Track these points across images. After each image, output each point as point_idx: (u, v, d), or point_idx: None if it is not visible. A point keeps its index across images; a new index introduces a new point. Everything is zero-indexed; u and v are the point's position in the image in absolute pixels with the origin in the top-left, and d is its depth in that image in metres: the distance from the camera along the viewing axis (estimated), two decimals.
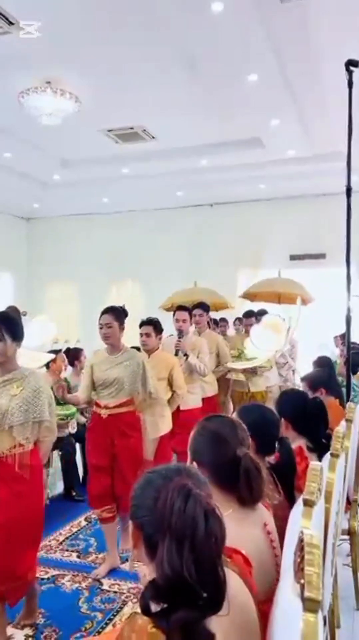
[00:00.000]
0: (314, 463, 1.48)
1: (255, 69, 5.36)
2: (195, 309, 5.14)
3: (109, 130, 7.10)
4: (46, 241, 11.19)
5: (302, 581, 0.84)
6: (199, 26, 4.63)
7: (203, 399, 4.91)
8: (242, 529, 1.45)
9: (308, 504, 1.31)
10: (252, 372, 5.61)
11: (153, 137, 7.32)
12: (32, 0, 4.31)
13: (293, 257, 9.32)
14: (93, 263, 10.57)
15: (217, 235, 9.76)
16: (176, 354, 4.38)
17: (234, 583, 1.09)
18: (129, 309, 5.91)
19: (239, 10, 4.37)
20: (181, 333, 4.48)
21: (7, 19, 4.51)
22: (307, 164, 7.80)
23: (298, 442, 2.47)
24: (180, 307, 4.71)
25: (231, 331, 8.16)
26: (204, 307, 5.34)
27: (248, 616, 1.10)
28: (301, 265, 9.17)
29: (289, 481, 2.00)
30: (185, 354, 4.45)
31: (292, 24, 4.53)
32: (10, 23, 4.56)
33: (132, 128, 7.01)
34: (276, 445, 2.05)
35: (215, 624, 0.96)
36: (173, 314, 4.61)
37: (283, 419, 2.53)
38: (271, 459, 2.02)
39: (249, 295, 7.42)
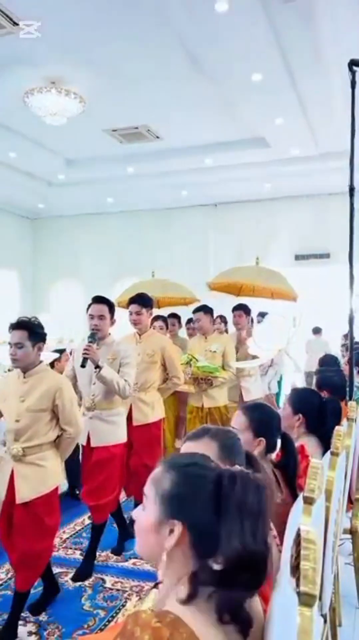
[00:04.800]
0: (314, 461, 1.48)
1: (259, 68, 5.37)
2: (130, 305, 3.96)
3: (114, 130, 7.13)
4: (51, 241, 11.23)
5: (298, 575, 0.85)
6: (203, 26, 4.64)
7: (138, 427, 3.81)
8: None
9: (308, 501, 1.32)
10: (207, 383, 4.59)
11: (157, 137, 7.34)
12: (36, 1, 4.34)
13: (297, 257, 9.33)
14: (98, 262, 10.61)
15: (221, 235, 9.78)
16: (82, 365, 3.15)
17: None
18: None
19: (243, 10, 4.38)
20: (93, 335, 3.23)
21: (11, 19, 4.53)
22: (311, 163, 7.81)
23: (301, 441, 2.47)
24: (96, 299, 3.37)
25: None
26: (141, 300, 3.96)
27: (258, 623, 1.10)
28: (305, 264, 9.17)
29: (292, 478, 2.00)
30: (97, 366, 3.13)
31: (296, 24, 4.53)
32: (15, 24, 4.60)
33: (136, 128, 7.03)
34: (278, 443, 2.06)
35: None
36: (87, 309, 3.39)
37: (299, 415, 2.53)
38: (273, 456, 2.03)
39: (226, 288, 5.85)
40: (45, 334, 2.79)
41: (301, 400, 2.64)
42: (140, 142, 7.55)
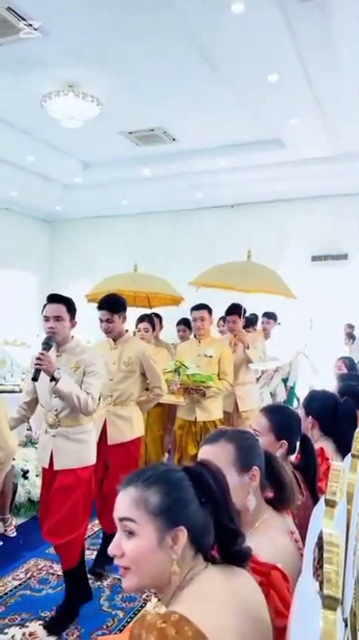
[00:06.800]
0: (336, 463, 1.47)
1: (276, 69, 5.35)
2: (99, 311, 3.45)
3: (130, 133, 7.16)
4: (67, 243, 11.33)
5: (320, 579, 0.84)
6: (220, 27, 4.63)
7: (113, 446, 3.37)
8: (273, 537, 1.45)
9: (330, 504, 1.30)
10: (199, 393, 4.09)
11: (173, 139, 7.36)
12: (53, 5, 4.38)
13: (314, 258, 9.26)
14: (114, 264, 10.63)
15: (237, 236, 9.74)
16: (34, 378, 2.67)
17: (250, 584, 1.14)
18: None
19: (259, 10, 4.37)
20: (49, 341, 2.73)
21: (30, 25, 4.58)
22: (328, 164, 7.75)
23: (320, 444, 2.46)
24: (51, 298, 2.86)
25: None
26: (110, 305, 3.41)
27: (258, 616, 1.10)
28: (322, 265, 9.11)
29: (312, 481, 1.99)
30: (53, 378, 2.64)
31: (313, 23, 4.51)
32: (34, 29, 4.64)
33: (152, 130, 7.05)
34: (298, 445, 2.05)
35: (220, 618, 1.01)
36: (42, 309, 2.84)
37: (310, 417, 2.52)
38: (293, 458, 2.02)
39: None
40: None
41: (312, 403, 2.62)
42: (156, 144, 7.57)
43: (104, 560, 3.30)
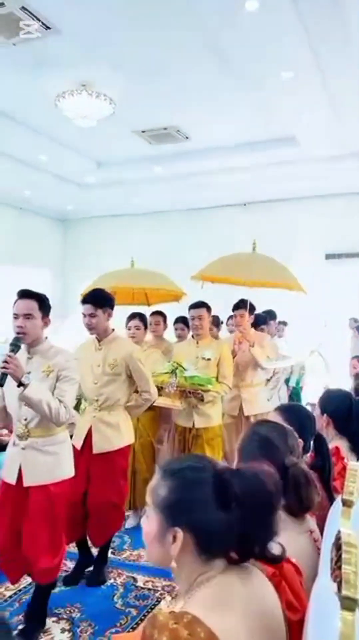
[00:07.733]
0: (352, 463, 1.46)
1: (290, 66, 5.31)
2: (83, 305, 3.23)
3: (143, 131, 7.17)
4: (80, 242, 11.40)
5: (338, 579, 0.83)
6: (233, 25, 4.61)
7: (99, 456, 3.11)
8: (289, 537, 1.44)
9: (347, 504, 1.30)
10: (197, 397, 3.86)
11: (186, 137, 7.35)
12: (67, 5, 4.39)
13: (328, 256, 9.20)
14: (125, 263, 10.65)
15: (250, 235, 9.68)
16: (0, 384, 2.41)
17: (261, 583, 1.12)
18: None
19: (273, 7, 4.34)
20: (17, 342, 2.49)
21: (43, 24, 4.60)
22: (342, 161, 7.69)
23: (335, 443, 2.44)
24: (22, 293, 2.63)
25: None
26: (95, 299, 3.22)
27: (272, 620, 1.09)
28: (337, 263, 9.05)
29: (327, 481, 1.98)
30: (20, 384, 2.41)
31: (327, 20, 4.46)
32: (47, 28, 4.66)
33: (165, 128, 7.05)
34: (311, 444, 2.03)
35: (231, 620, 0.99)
36: (13, 305, 2.63)
37: (324, 416, 2.50)
38: (307, 457, 2.01)
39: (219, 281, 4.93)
40: None
41: (327, 401, 2.61)
42: (168, 143, 7.56)
43: (100, 574, 3.25)
